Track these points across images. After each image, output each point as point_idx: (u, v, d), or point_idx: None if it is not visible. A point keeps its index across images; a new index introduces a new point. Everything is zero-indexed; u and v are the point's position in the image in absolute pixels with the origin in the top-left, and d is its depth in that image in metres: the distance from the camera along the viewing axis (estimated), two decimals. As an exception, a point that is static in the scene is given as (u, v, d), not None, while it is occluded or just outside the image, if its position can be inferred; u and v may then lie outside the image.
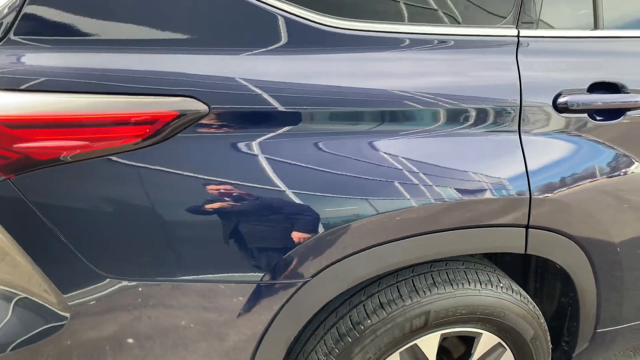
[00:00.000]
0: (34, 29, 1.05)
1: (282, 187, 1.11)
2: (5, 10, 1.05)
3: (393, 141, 1.20)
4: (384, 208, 1.16)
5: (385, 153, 1.18)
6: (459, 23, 1.28)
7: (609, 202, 1.39)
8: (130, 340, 1.13)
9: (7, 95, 1.01)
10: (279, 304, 1.17)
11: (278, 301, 1.17)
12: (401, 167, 1.18)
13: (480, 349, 1.46)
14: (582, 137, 1.33)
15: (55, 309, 1.11)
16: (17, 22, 1.04)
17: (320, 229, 1.14)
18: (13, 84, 1.02)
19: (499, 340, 1.46)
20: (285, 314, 1.18)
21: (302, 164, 1.13)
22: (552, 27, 1.34)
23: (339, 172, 1.15)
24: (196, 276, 1.12)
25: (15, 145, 1.01)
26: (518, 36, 1.29)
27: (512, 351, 1.49)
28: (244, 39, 1.12)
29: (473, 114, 1.24)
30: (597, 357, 1.68)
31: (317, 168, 1.14)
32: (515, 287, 1.44)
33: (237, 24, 1.12)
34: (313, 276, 1.17)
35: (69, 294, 1.09)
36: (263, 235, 1.13)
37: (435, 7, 1.26)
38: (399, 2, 1.25)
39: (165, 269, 1.11)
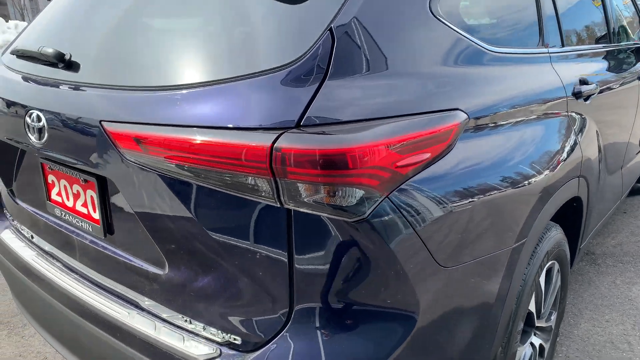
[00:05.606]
0: (346, 67, 1.17)
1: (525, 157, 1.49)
2: (315, 55, 1.14)
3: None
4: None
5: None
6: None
7: (594, 147, 2.14)
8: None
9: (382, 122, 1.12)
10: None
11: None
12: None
13: (554, 276, 2.02)
14: (583, 114, 2.03)
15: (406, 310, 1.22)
16: (331, 62, 1.14)
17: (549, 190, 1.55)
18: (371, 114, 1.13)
19: (558, 266, 2.05)
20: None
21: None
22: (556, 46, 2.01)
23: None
24: (487, 251, 1.38)
25: (396, 164, 1.11)
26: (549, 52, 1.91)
27: (561, 273, 2.10)
28: (463, 62, 1.43)
29: (550, 104, 1.79)
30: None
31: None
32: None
33: (459, 53, 1.42)
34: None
35: (421, 292, 1.21)
36: (522, 203, 1.46)
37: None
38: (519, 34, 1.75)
39: (472, 251, 1.33)
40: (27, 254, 1.79)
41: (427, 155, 1.19)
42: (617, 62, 2.71)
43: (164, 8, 1.39)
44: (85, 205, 1.50)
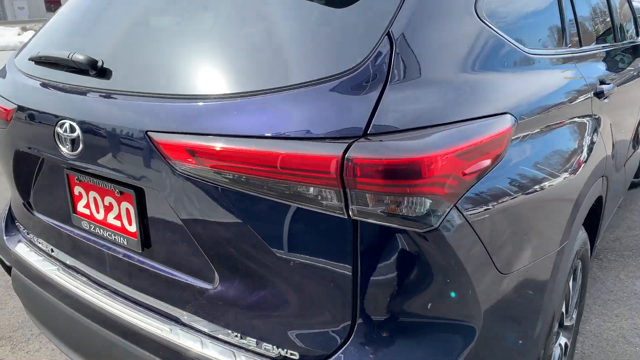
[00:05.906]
0: (405, 73, 1.14)
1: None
2: (374, 61, 1.11)
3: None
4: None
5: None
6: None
7: (610, 145, 2.16)
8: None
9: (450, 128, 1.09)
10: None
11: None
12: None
13: (578, 275, 2.04)
14: (602, 113, 2.04)
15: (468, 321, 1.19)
16: (391, 68, 1.12)
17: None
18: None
19: (581, 265, 2.06)
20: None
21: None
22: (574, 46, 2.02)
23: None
24: (538, 255, 1.37)
25: (463, 171, 1.09)
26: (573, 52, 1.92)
27: (582, 271, 2.11)
28: (506, 65, 1.42)
29: (580, 105, 1.80)
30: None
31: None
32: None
33: (503, 56, 1.41)
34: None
35: (483, 301, 1.20)
36: (566, 205, 1.47)
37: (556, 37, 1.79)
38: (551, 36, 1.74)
39: (526, 256, 1.32)
40: (48, 269, 1.72)
41: (488, 161, 1.18)
42: (622, 59, 2.75)
43: (217, 12, 1.34)
44: (118, 217, 1.44)
